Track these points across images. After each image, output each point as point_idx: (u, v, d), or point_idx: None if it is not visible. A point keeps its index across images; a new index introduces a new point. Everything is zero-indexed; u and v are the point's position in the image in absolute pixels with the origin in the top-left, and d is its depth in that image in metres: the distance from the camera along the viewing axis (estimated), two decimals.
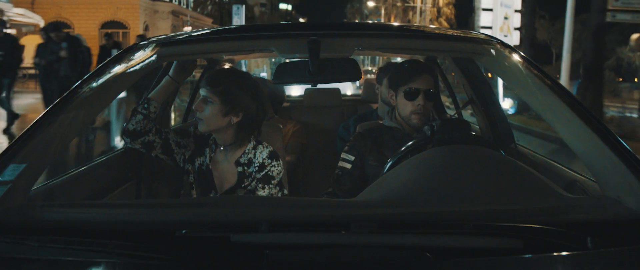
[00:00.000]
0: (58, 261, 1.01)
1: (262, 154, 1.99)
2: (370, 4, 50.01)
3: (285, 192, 2.06)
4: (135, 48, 1.71)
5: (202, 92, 1.90)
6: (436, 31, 1.84)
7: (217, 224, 1.09)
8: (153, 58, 1.75)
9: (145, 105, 2.00)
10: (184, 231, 1.04)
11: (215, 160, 2.00)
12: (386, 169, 1.70)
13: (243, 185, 1.97)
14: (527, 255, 0.98)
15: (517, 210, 1.14)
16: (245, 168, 1.98)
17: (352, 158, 2.08)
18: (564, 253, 0.99)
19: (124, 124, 2.01)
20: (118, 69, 1.63)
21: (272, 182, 1.98)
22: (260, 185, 1.97)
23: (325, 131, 3.56)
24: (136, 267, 0.99)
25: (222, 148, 2.00)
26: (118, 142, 6.85)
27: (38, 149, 1.36)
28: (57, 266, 1.01)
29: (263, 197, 1.88)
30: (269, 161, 1.99)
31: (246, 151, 1.99)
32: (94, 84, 1.55)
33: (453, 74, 3.05)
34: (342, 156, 2.11)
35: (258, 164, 1.98)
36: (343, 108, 3.94)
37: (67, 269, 1.01)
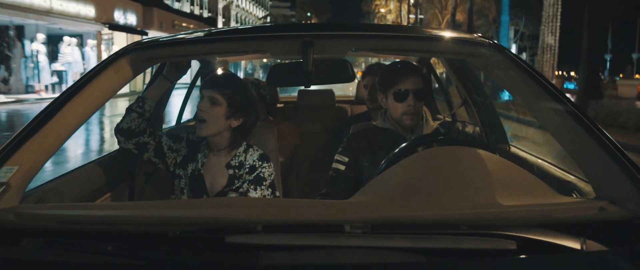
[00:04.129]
0: (51, 263, 1.01)
1: (252, 157, 2.00)
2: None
3: (277, 194, 2.06)
4: (127, 51, 1.70)
5: (208, 93, 1.90)
6: (430, 32, 1.84)
7: (211, 225, 1.08)
8: (143, 60, 1.75)
9: (140, 104, 2.00)
10: (177, 232, 1.03)
11: (207, 164, 1.99)
12: (380, 170, 1.70)
13: (234, 187, 1.97)
14: (521, 257, 0.98)
15: (511, 211, 1.14)
16: (237, 170, 1.98)
17: (346, 159, 2.08)
18: (558, 254, 1.00)
19: (119, 123, 2.01)
20: (109, 71, 1.63)
21: (264, 183, 1.98)
22: (251, 187, 1.97)
23: (318, 132, 3.56)
24: (130, 268, 0.99)
25: (214, 152, 2.00)
26: None
27: (31, 151, 1.35)
28: (51, 268, 1.00)
29: (257, 199, 1.88)
30: (260, 163, 2.00)
31: (237, 154, 2.00)
32: (86, 88, 1.55)
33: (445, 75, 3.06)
34: (336, 157, 2.11)
35: (249, 166, 1.99)
36: (336, 109, 3.94)
37: None
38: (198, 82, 3.47)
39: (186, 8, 38.20)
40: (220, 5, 50.82)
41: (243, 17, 63.38)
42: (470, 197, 1.21)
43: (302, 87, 3.88)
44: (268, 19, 66.08)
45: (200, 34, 1.82)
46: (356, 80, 4.08)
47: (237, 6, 60.09)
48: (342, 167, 2.08)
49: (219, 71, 3.32)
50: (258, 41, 1.76)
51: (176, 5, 32.17)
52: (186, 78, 2.65)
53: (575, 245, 1.00)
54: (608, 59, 36.29)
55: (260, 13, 73.17)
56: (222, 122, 1.92)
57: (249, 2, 67.53)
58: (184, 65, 2.13)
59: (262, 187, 1.98)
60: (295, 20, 78.79)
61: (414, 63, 3.05)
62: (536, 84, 1.52)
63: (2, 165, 1.30)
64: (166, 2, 28.30)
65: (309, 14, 78.29)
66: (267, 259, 0.97)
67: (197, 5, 42.96)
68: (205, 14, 43.43)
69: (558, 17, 16.88)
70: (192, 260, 0.99)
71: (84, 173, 2.06)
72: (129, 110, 2.00)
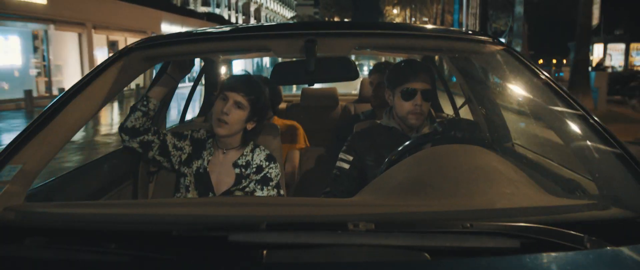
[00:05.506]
0: (55, 261, 1.01)
1: (259, 157, 2.01)
2: None
3: (282, 193, 2.06)
4: (130, 50, 1.70)
5: (234, 96, 1.91)
6: (434, 30, 1.83)
7: (215, 224, 1.08)
8: (145, 59, 1.75)
9: (145, 103, 2.00)
10: (181, 231, 1.03)
11: (214, 162, 2.00)
12: (384, 169, 1.69)
13: (241, 187, 1.97)
14: (524, 255, 0.98)
15: (514, 210, 1.14)
16: (243, 170, 1.98)
17: (350, 158, 2.08)
18: (561, 253, 0.99)
19: (123, 121, 2.01)
20: (112, 70, 1.63)
21: (270, 183, 1.99)
22: (258, 187, 1.97)
23: (322, 131, 3.55)
24: (133, 267, 0.99)
25: (223, 151, 2.00)
26: None
27: (34, 149, 1.35)
28: (54, 266, 1.00)
29: (261, 197, 1.88)
30: (267, 163, 2.00)
31: (244, 154, 2.00)
32: (89, 86, 1.55)
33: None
34: (340, 156, 2.11)
35: (256, 166, 1.99)
36: (340, 108, 3.93)
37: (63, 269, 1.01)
38: (197, 84, 3.47)
39: (224, 13, 46.40)
40: (252, 8, 57.91)
41: (271, 17, 68.80)
42: (473, 196, 1.21)
43: (306, 86, 3.87)
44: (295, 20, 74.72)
45: (203, 32, 1.82)
46: (360, 78, 4.07)
47: (267, 8, 65.83)
48: (346, 166, 2.07)
49: (227, 71, 3.32)
50: (261, 40, 1.76)
51: (217, 11, 43.19)
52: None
53: (579, 244, 1.00)
54: None
55: (287, 13, 79.62)
56: (241, 124, 1.94)
57: (277, 4, 74.11)
58: (188, 64, 2.13)
59: (269, 187, 1.99)
60: (319, 18, 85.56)
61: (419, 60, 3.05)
62: (540, 82, 1.51)
63: (6, 164, 1.30)
64: (199, 8, 38.63)
65: (332, 11, 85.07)
66: (271, 257, 0.97)
67: (233, 10, 50.49)
68: (240, 18, 52.16)
69: (477, 27, 23.64)
70: (196, 258, 0.99)
71: (87, 171, 2.06)
72: (133, 109, 2.00)
